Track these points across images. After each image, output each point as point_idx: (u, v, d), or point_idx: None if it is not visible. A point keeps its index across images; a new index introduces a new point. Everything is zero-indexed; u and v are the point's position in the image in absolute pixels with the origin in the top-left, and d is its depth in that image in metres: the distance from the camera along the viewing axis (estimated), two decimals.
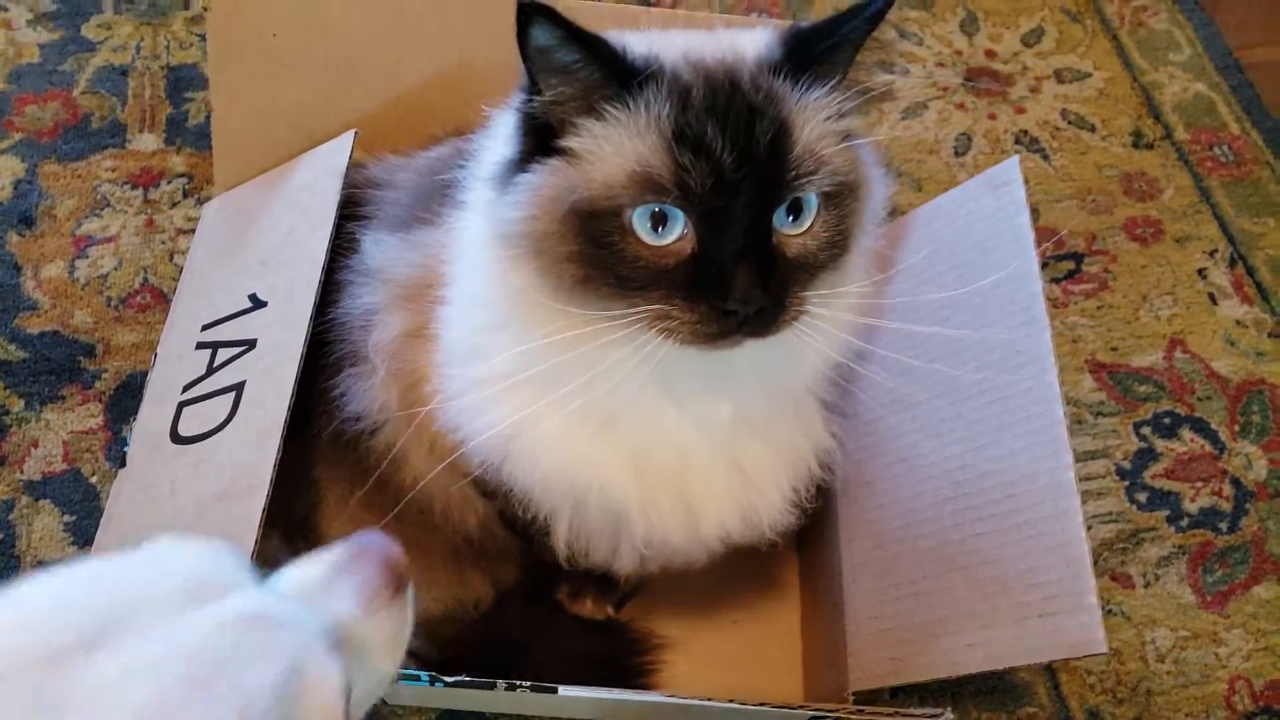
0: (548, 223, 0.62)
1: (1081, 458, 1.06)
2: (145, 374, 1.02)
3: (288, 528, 0.81)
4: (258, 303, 0.83)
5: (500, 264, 0.66)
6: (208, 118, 1.21)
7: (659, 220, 0.60)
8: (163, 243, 1.13)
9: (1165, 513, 1.03)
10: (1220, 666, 0.95)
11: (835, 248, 0.64)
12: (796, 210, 0.62)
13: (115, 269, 1.11)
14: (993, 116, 1.31)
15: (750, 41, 0.65)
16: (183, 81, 1.25)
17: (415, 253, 0.75)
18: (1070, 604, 0.65)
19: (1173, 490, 1.04)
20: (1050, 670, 0.94)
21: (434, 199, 0.75)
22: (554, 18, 0.57)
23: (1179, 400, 1.10)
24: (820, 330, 0.65)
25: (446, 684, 0.64)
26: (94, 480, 0.99)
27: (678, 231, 0.60)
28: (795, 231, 0.63)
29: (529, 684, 0.66)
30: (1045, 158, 1.27)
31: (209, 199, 1.08)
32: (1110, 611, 0.98)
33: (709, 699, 0.71)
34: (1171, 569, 1.00)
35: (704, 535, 0.76)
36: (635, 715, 0.89)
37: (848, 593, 0.81)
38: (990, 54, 1.37)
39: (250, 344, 0.80)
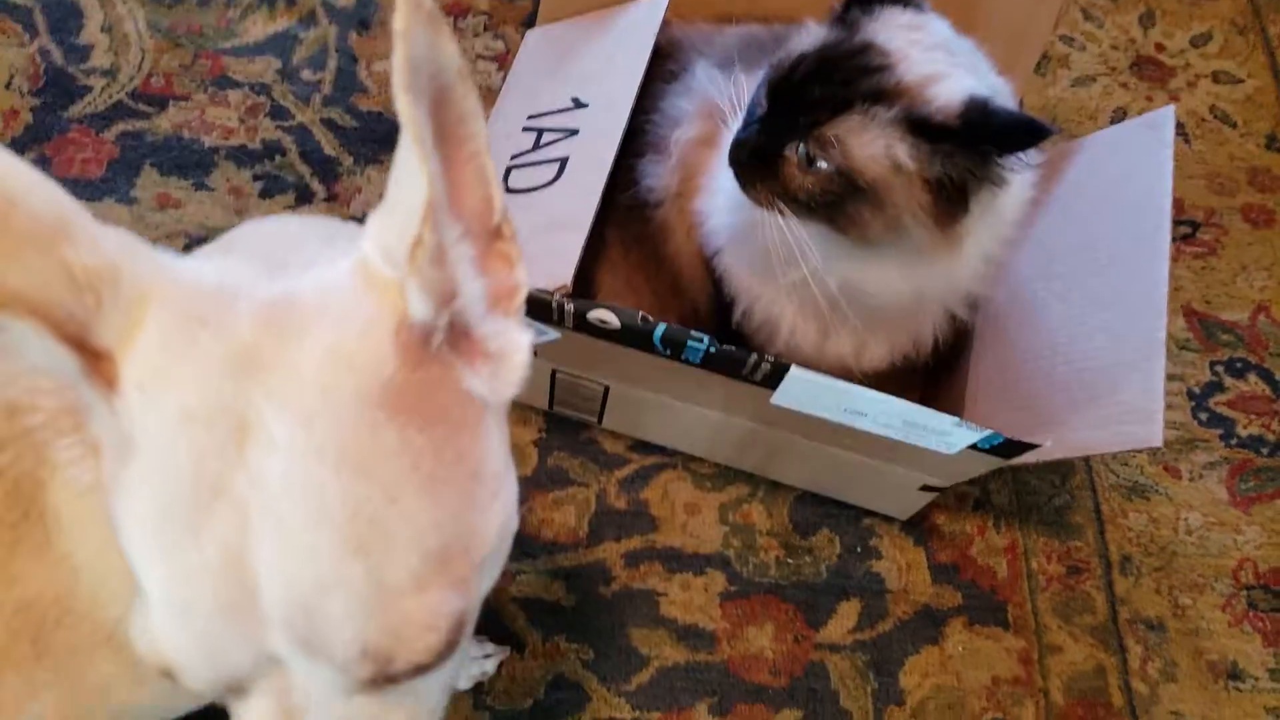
0: None
1: None
2: None
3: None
4: (579, 104, 1.10)
5: None
6: None
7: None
8: (467, 61, 1.42)
9: (1219, 431, 1.27)
10: (1235, 549, 1.20)
11: (818, 208, 0.82)
12: (810, 159, 0.81)
13: None
14: (1149, 99, 1.52)
15: (947, 92, 0.78)
16: None
17: (732, 88, 1.01)
18: (1142, 418, 0.90)
19: (1230, 416, 1.28)
20: (1100, 519, 1.20)
21: (755, 56, 1.01)
22: None
23: (1253, 352, 1.33)
24: (784, 235, 0.85)
25: (719, 349, 0.88)
26: None
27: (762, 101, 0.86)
28: (797, 162, 0.81)
29: (771, 360, 0.87)
30: (1187, 141, 1.49)
31: (504, 35, 1.36)
32: (1157, 491, 1.23)
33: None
34: (1214, 473, 1.24)
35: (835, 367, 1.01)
36: (735, 445, 1.13)
37: (968, 405, 1.07)
38: (1160, 47, 1.57)
39: (573, 131, 1.07)
